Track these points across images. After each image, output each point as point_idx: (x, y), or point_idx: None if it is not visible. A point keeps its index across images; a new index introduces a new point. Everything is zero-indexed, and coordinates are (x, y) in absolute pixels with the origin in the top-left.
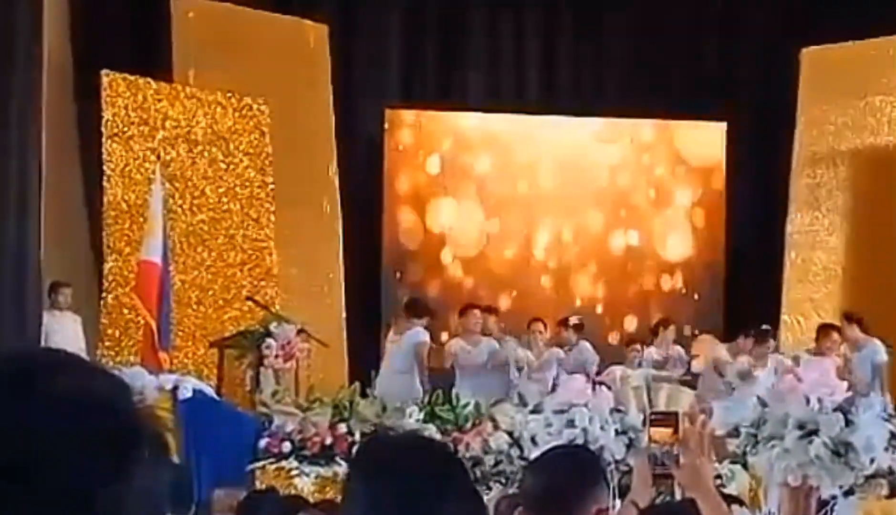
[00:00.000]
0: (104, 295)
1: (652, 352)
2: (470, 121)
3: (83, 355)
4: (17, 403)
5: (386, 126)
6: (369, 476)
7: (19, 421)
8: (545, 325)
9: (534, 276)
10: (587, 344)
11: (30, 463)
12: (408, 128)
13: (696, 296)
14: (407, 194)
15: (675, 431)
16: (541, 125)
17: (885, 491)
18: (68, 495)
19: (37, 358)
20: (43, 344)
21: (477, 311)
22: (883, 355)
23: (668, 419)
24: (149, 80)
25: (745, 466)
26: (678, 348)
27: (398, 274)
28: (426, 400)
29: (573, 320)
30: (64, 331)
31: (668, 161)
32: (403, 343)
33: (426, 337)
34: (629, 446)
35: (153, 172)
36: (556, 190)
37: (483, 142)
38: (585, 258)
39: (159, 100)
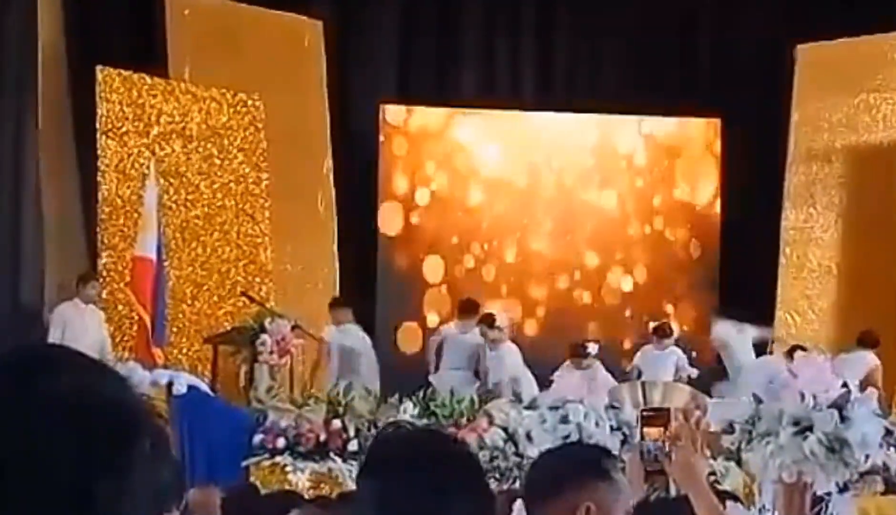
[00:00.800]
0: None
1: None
2: (465, 118)
3: (106, 348)
4: (18, 399)
5: (381, 122)
6: (380, 471)
7: (19, 417)
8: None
9: (530, 272)
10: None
11: (30, 459)
12: (402, 123)
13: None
14: (401, 190)
15: (667, 426)
16: (536, 121)
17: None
18: (69, 491)
19: (37, 355)
20: (59, 334)
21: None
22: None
23: (659, 414)
24: (144, 75)
25: (739, 463)
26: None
27: (392, 271)
28: (421, 394)
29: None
30: (84, 323)
31: (662, 156)
32: (463, 342)
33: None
34: (624, 442)
35: (148, 168)
36: (552, 185)
37: (478, 138)
38: (580, 253)
39: (154, 96)
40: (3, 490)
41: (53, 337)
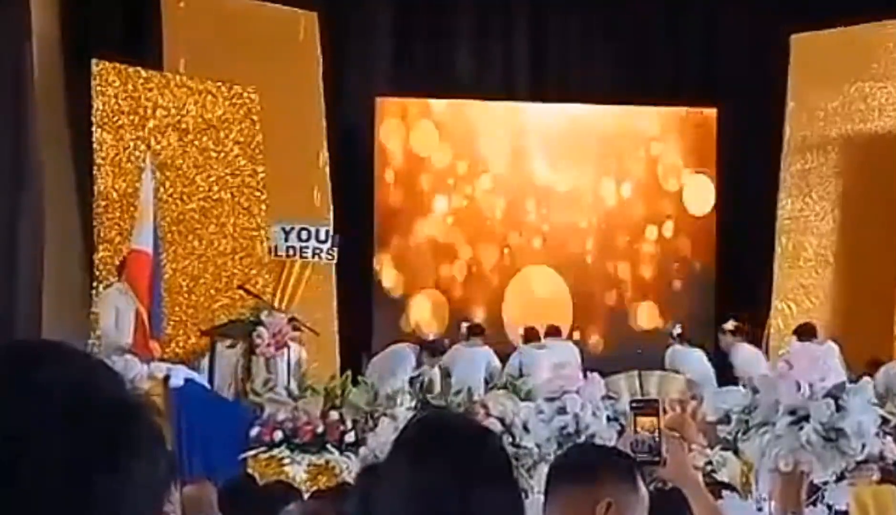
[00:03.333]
0: (95, 284)
1: None
2: (460, 109)
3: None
4: (13, 395)
5: (376, 114)
6: (408, 454)
7: (15, 413)
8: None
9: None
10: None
11: (25, 456)
12: (398, 116)
13: (687, 283)
14: (397, 183)
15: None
16: (530, 112)
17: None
18: (65, 488)
19: (32, 350)
20: (112, 319)
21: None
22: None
23: (649, 406)
24: (139, 69)
25: (736, 452)
26: None
27: (389, 264)
28: (417, 386)
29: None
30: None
31: (658, 147)
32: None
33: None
34: (621, 432)
35: (144, 161)
36: (547, 177)
37: (473, 129)
38: (576, 244)
39: (150, 89)
40: (7, 486)
41: (106, 322)
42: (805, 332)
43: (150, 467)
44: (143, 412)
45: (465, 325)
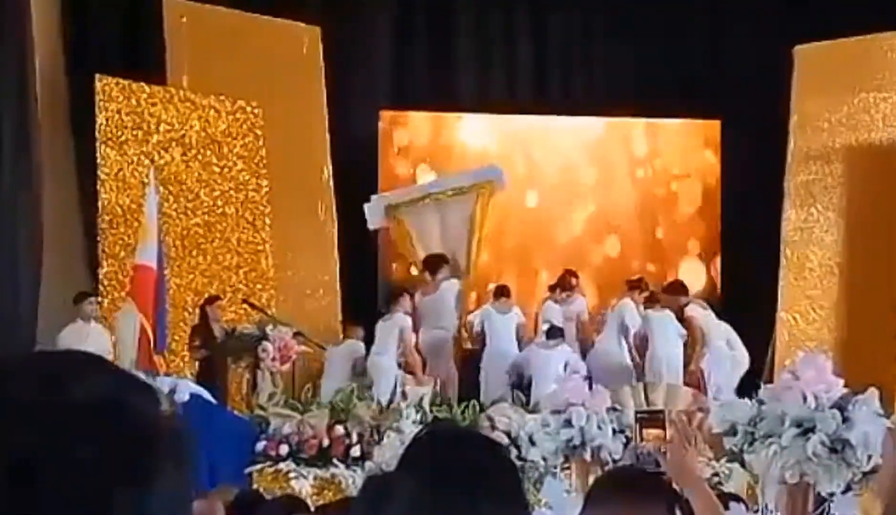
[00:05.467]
0: (100, 299)
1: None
2: (463, 123)
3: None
4: (44, 404)
5: (380, 128)
6: (413, 470)
7: (45, 422)
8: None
9: (532, 280)
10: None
11: (50, 464)
12: (402, 129)
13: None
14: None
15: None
16: (533, 125)
17: None
18: (84, 501)
19: (69, 361)
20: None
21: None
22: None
23: (655, 418)
24: (142, 84)
25: (742, 464)
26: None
27: (393, 276)
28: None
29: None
30: (92, 344)
31: (661, 159)
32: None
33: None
34: (626, 444)
35: (147, 176)
36: (552, 190)
37: (476, 143)
38: (580, 257)
39: (153, 105)
40: (30, 494)
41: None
42: (673, 290)
43: (172, 484)
44: (171, 429)
45: (492, 286)
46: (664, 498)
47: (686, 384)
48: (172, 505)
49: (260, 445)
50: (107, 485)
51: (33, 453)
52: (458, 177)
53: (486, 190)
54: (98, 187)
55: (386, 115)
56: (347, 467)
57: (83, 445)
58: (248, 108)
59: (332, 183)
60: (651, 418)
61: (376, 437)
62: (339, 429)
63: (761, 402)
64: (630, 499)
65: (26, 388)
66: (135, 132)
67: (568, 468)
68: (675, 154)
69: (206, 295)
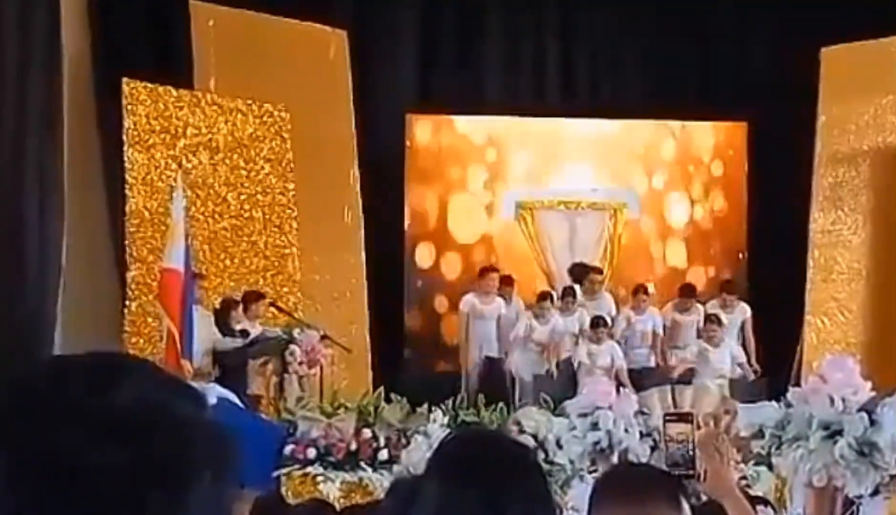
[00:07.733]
0: (127, 303)
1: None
2: (490, 125)
3: None
4: (88, 406)
5: (406, 131)
6: (440, 473)
7: (87, 423)
8: (552, 299)
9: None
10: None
11: (89, 465)
12: (428, 132)
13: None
14: (428, 199)
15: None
16: (560, 127)
17: None
18: (120, 501)
19: (115, 364)
20: None
21: (495, 275)
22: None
23: (683, 419)
24: (170, 88)
25: (770, 467)
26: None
27: (420, 280)
28: (450, 404)
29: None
30: None
31: (689, 162)
32: None
33: None
34: (654, 448)
35: (175, 180)
36: (579, 192)
37: (504, 144)
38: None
39: (180, 108)
40: (69, 494)
41: None
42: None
43: (210, 491)
44: (212, 435)
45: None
46: (668, 493)
47: None
48: (209, 513)
49: (288, 449)
50: (141, 489)
51: (76, 454)
52: (591, 191)
53: (620, 208)
54: (126, 191)
55: (412, 118)
56: (375, 470)
57: (121, 447)
58: (275, 112)
59: (358, 186)
60: (679, 419)
61: (404, 440)
62: (367, 433)
63: (789, 405)
64: (632, 498)
65: (75, 389)
66: (162, 136)
67: (595, 471)
68: (701, 156)
69: (248, 291)
